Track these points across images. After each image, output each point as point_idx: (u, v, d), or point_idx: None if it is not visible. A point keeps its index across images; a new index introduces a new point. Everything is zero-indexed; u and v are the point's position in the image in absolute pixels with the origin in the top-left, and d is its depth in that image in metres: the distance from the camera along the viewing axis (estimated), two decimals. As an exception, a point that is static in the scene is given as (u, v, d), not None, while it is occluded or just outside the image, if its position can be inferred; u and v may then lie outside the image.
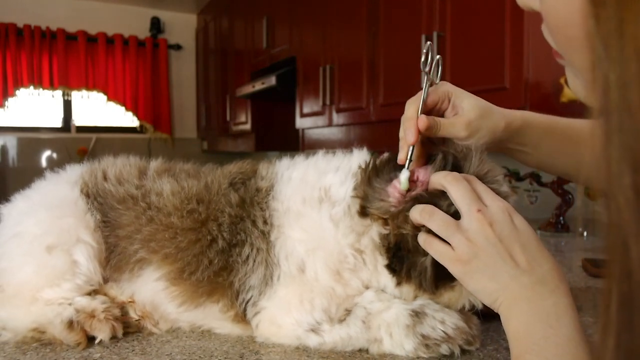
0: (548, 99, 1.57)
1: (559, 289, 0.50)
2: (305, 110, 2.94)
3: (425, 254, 0.59)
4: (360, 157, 0.71)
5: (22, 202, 0.78)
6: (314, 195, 0.69)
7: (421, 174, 0.61)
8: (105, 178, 0.78)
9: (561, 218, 1.59)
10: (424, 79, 0.63)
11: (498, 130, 0.66)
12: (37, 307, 0.69)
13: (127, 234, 0.73)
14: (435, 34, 1.89)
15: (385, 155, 0.67)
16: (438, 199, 0.58)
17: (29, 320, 0.68)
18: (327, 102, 2.65)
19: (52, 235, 0.71)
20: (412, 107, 0.63)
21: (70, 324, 0.67)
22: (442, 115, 0.66)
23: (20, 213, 0.75)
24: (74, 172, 0.81)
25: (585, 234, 1.56)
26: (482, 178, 0.59)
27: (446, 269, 0.56)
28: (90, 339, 0.68)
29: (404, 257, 0.62)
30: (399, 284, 0.64)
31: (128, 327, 0.72)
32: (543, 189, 1.64)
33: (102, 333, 0.68)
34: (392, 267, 0.63)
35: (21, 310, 0.69)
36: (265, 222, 0.70)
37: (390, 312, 0.63)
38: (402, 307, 0.63)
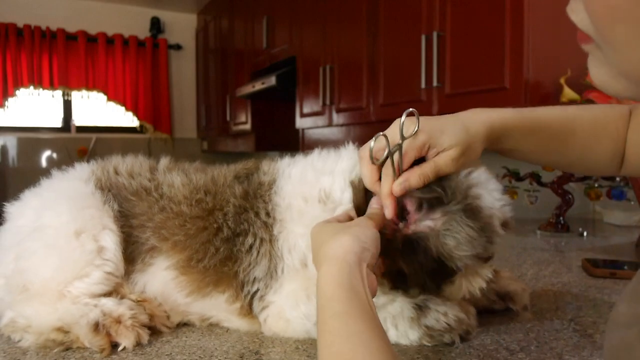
0: (548, 99, 1.57)
1: (321, 268, 0.52)
2: (305, 110, 2.94)
3: (422, 275, 0.61)
4: (349, 156, 0.73)
5: (35, 199, 0.77)
6: (313, 194, 0.71)
7: (408, 204, 0.62)
8: (117, 173, 0.80)
9: (561, 218, 1.59)
10: (398, 149, 0.60)
11: (479, 153, 0.66)
12: (63, 305, 0.68)
13: (140, 223, 0.74)
14: (435, 34, 1.90)
15: None
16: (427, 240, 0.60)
17: (54, 317, 0.67)
18: (327, 102, 2.66)
19: (77, 223, 0.71)
20: (388, 182, 0.61)
21: (95, 327, 0.65)
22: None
23: (36, 209, 0.75)
24: (84, 169, 0.81)
25: (585, 234, 1.55)
26: (463, 210, 0.59)
27: (444, 274, 0.60)
28: (113, 345, 0.66)
29: (403, 280, 0.64)
30: (405, 293, 0.67)
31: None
32: (543, 189, 1.64)
33: (126, 340, 0.66)
34: (396, 287, 0.66)
35: (47, 307, 0.68)
36: (267, 214, 0.73)
37: (395, 305, 0.67)
38: (405, 300, 0.67)
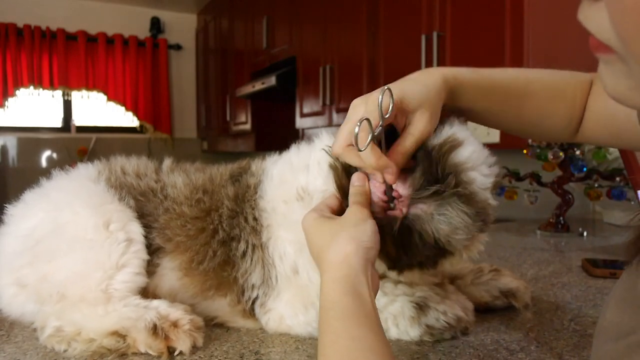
0: (548, 99, 1.57)
1: (324, 274, 0.51)
2: (305, 110, 2.94)
3: (419, 258, 0.59)
4: (322, 146, 0.69)
5: (43, 200, 0.75)
6: (292, 195, 0.69)
7: (400, 188, 0.59)
8: (124, 173, 0.79)
9: (561, 218, 1.59)
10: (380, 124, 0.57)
11: (440, 107, 0.62)
12: (114, 307, 0.66)
13: (147, 223, 0.74)
14: (435, 34, 1.90)
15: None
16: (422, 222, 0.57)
17: (110, 321, 0.64)
18: (327, 102, 2.66)
19: (102, 216, 0.69)
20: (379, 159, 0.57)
21: (154, 329, 0.63)
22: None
23: (48, 210, 0.72)
24: (89, 169, 0.80)
25: (585, 234, 1.55)
26: (457, 196, 0.57)
27: (442, 255, 0.58)
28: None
29: (398, 260, 0.61)
30: (400, 273, 0.64)
31: None
32: (543, 189, 1.63)
33: (184, 345, 0.63)
34: (391, 267, 0.63)
35: (97, 310, 0.65)
36: (255, 220, 0.72)
37: (396, 305, 0.67)
38: (406, 299, 0.67)
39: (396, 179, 0.57)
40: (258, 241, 0.71)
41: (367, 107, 0.57)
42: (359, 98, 0.60)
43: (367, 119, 0.54)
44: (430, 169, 0.58)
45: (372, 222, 0.54)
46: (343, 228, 0.53)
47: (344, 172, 0.61)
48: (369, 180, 0.59)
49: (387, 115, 0.56)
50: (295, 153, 0.74)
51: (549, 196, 1.64)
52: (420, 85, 0.61)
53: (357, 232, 0.52)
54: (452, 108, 0.67)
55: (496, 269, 0.84)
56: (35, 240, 0.70)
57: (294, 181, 0.70)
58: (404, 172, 0.59)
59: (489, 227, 0.61)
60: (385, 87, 0.57)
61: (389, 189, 0.59)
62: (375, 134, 0.55)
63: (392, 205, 0.59)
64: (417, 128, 0.58)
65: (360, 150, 0.55)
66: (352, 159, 0.58)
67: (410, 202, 0.58)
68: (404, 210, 0.58)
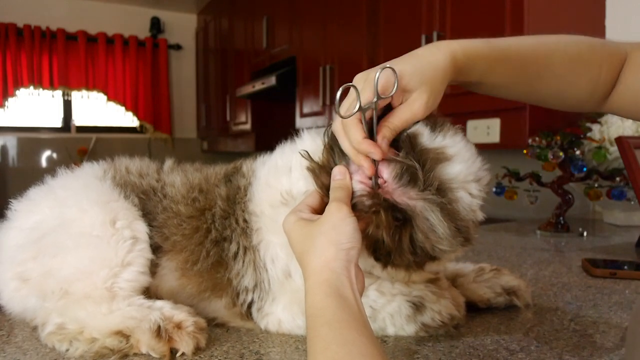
0: (548, 99, 1.57)
1: (307, 281, 0.51)
2: (305, 110, 2.94)
3: (405, 251, 0.58)
4: (304, 145, 0.69)
5: (48, 196, 0.75)
6: (277, 199, 0.69)
7: (384, 172, 0.58)
8: (128, 172, 0.79)
9: (561, 218, 1.59)
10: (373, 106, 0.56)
11: (444, 88, 0.60)
12: (119, 306, 0.65)
13: (147, 222, 0.74)
14: (435, 34, 1.90)
15: (325, 140, 0.64)
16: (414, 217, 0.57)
17: (114, 321, 0.63)
18: (327, 102, 2.66)
19: (109, 213, 0.69)
20: (358, 132, 0.57)
21: (158, 331, 0.62)
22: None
23: (53, 206, 0.72)
24: (96, 168, 0.80)
25: (585, 234, 1.56)
26: (436, 190, 0.57)
27: (427, 256, 0.58)
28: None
29: (386, 253, 0.60)
30: (385, 267, 0.63)
31: None
32: (543, 189, 1.63)
33: (187, 347, 0.62)
34: (377, 258, 0.62)
35: (101, 308, 0.64)
36: (245, 222, 0.72)
37: (393, 305, 0.68)
38: (403, 299, 0.68)
39: (382, 155, 0.55)
40: (249, 243, 0.71)
41: (366, 83, 0.57)
42: (360, 73, 0.59)
43: (354, 87, 0.55)
44: (410, 155, 0.57)
45: (352, 220, 0.53)
46: (321, 232, 0.52)
47: (322, 171, 0.61)
48: (350, 172, 0.59)
49: (389, 95, 0.56)
50: (280, 154, 0.74)
51: (549, 196, 1.64)
52: (425, 63, 0.59)
53: (335, 235, 0.51)
54: (462, 83, 0.65)
55: (497, 269, 0.84)
56: (41, 234, 0.69)
57: (277, 185, 0.70)
58: (390, 160, 0.58)
59: (472, 244, 0.60)
60: (386, 65, 0.55)
61: (374, 176, 0.58)
62: (364, 106, 0.55)
63: (378, 190, 0.59)
64: (410, 109, 0.57)
65: (342, 117, 0.56)
66: (351, 133, 0.57)
67: (395, 189, 0.57)
68: (391, 193, 0.58)
